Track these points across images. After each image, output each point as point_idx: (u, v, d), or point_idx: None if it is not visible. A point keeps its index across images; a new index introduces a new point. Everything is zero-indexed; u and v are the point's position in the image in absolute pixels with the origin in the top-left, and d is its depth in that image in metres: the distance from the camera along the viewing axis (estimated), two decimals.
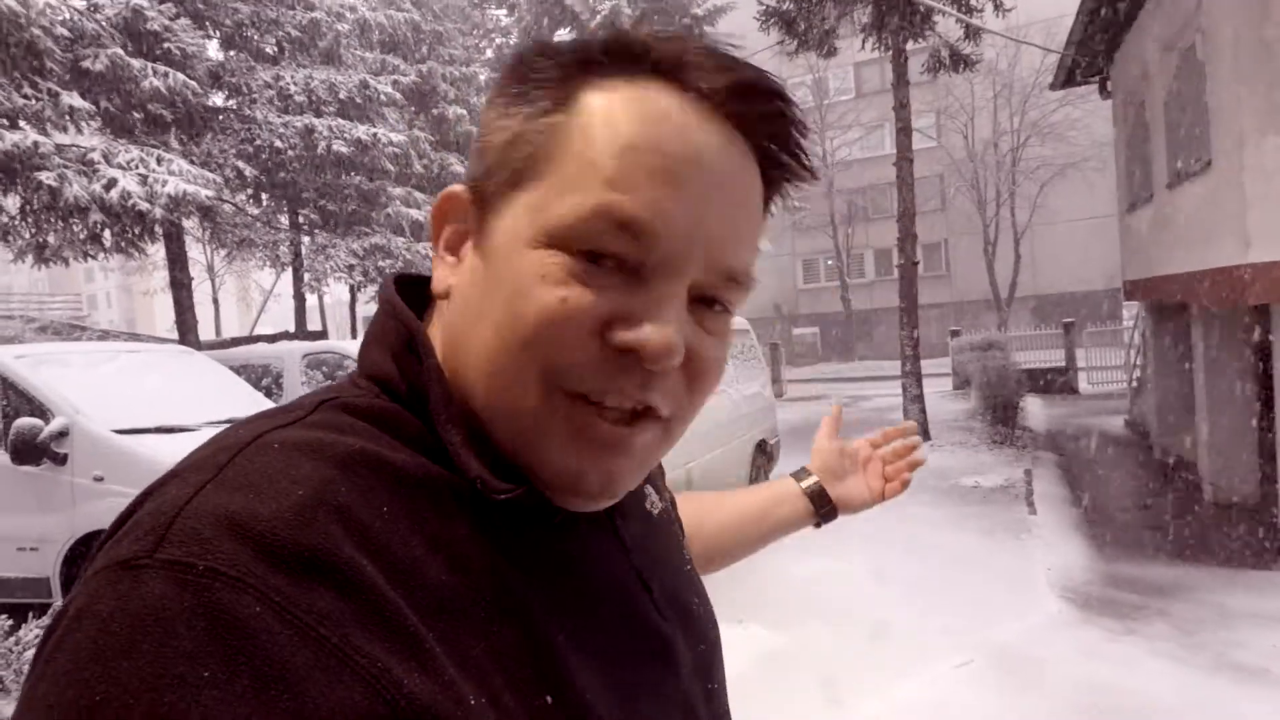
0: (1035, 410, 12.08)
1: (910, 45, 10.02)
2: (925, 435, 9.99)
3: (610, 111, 0.44)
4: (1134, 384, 10.77)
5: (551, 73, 0.45)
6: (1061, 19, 12.46)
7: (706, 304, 0.47)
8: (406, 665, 0.37)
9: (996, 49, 17.86)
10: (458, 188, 0.49)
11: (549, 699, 0.42)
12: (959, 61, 10.53)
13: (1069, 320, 15.22)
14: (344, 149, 11.75)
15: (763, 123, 0.47)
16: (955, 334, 16.62)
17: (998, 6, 9.94)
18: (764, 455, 7.15)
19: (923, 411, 10.06)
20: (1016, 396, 10.25)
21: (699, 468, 5.53)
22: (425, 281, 0.53)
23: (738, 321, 7.33)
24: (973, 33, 10.27)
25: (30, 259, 9.58)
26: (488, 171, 0.46)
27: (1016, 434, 9.79)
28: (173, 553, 0.35)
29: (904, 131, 9.85)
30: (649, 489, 0.62)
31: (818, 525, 0.99)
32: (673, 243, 0.43)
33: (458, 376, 0.47)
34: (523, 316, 0.43)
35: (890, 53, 9.99)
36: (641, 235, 0.42)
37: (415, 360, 0.47)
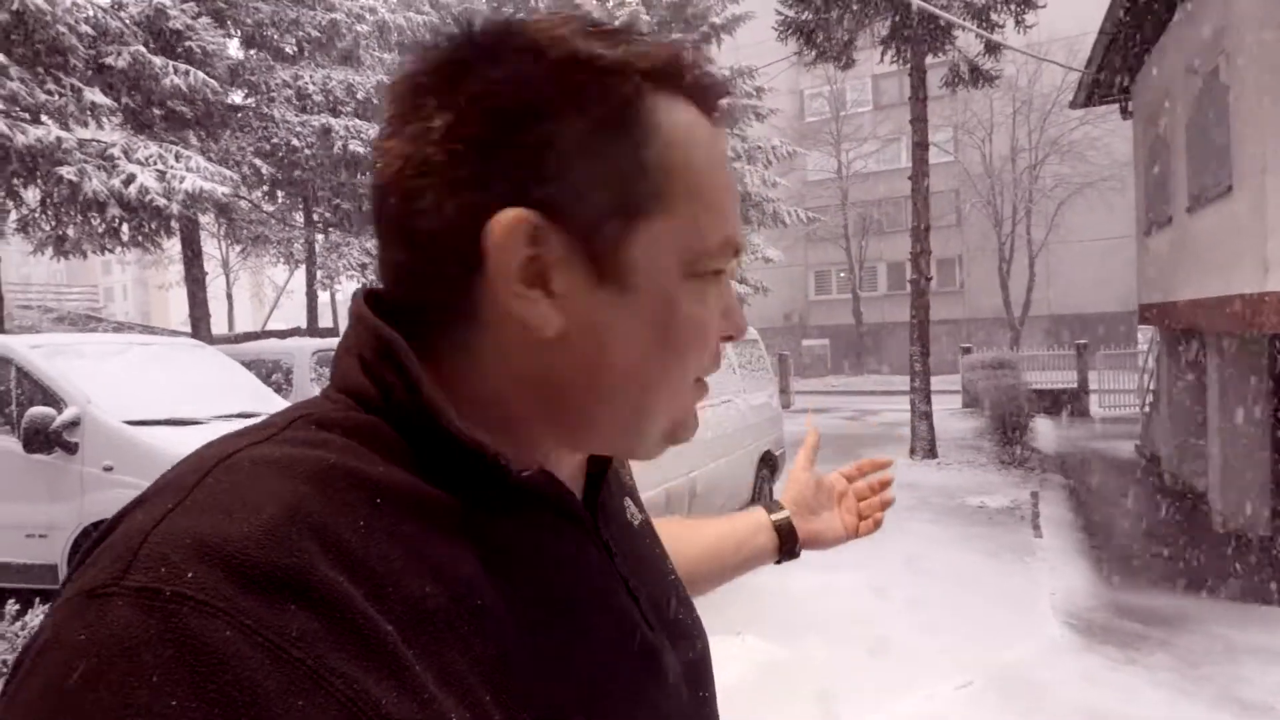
0: (1045, 431, 11.99)
1: (929, 59, 10.00)
2: (932, 453, 9.93)
3: (690, 139, 0.48)
4: (1146, 409, 10.68)
5: (628, 93, 0.45)
6: (1084, 37, 12.40)
7: None
8: (384, 685, 0.36)
9: (1017, 65, 17.81)
10: (524, 212, 0.43)
11: (536, 712, 0.42)
12: (978, 77, 10.50)
13: (1082, 342, 15.11)
14: (360, 148, 11.83)
15: (722, 109, 0.52)
16: (966, 351, 16.54)
17: (1019, 23, 9.91)
18: (769, 466, 7.13)
19: (931, 428, 10.00)
20: (1026, 417, 10.18)
21: (703, 476, 5.52)
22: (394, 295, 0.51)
23: (746, 331, 7.35)
24: (993, 48, 10.25)
25: (49, 251, 9.70)
26: (576, 196, 0.44)
27: (1025, 455, 9.72)
28: (139, 579, 0.34)
29: (920, 145, 9.82)
30: (628, 501, 0.62)
31: (778, 563, 0.96)
32: (743, 246, 0.53)
33: (565, 403, 0.48)
34: (692, 339, 0.49)
35: (909, 66, 9.98)
36: (738, 254, 0.52)
37: (391, 369, 0.45)
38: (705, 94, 0.49)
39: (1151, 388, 10.39)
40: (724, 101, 0.50)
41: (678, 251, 0.47)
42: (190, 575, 0.34)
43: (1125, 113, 10.41)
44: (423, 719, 0.36)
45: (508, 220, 0.43)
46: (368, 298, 0.50)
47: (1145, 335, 12.41)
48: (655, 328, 0.47)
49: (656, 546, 0.64)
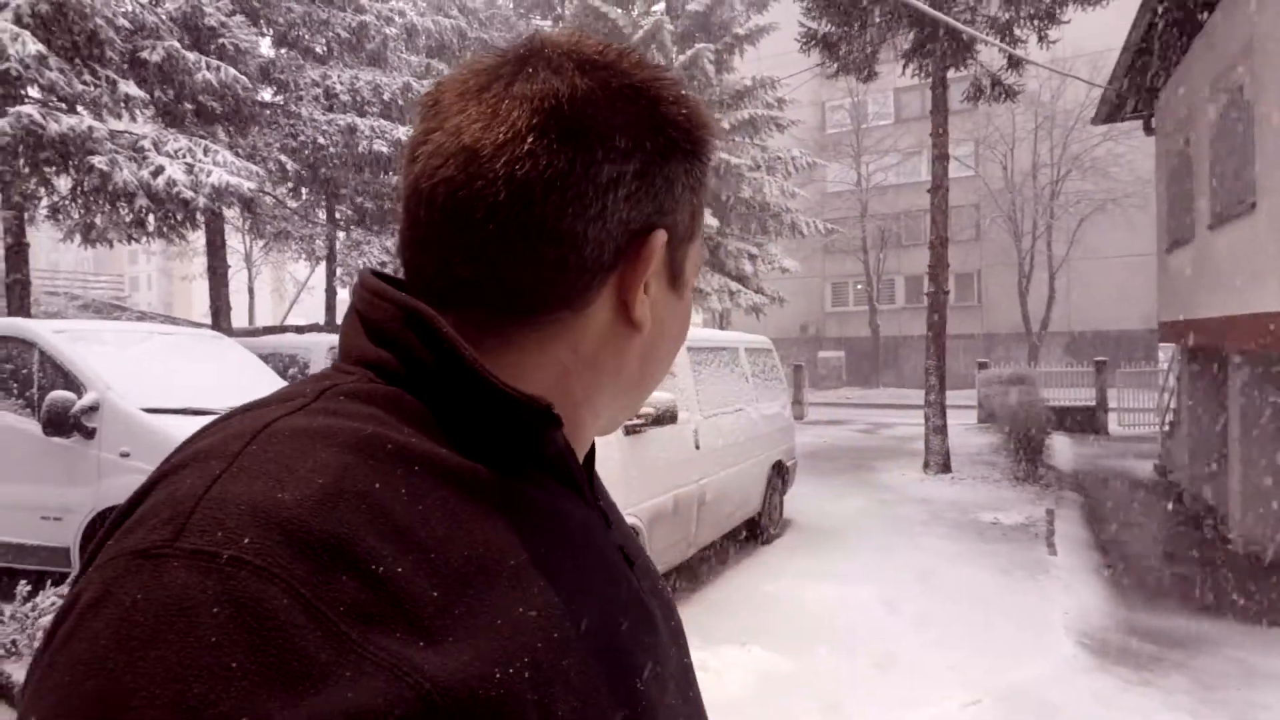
0: (1062, 449, 11.87)
1: (951, 73, 9.97)
2: (947, 468, 9.85)
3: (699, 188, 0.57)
4: (1166, 428, 10.54)
5: (708, 157, 0.56)
6: (1108, 53, 12.31)
7: None
8: (428, 650, 0.37)
9: (1040, 80, 17.71)
10: (664, 233, 0.53)
11: (586, 654, 0.44)
12: (1001, 91, 10.45)
13: (1101, 359, 14.95)
14: (384, 149, 11.94)
15: None
16: (983, 366, 16.41)
17: (1042, 38, 9.85)
18: (780, 476, 7.10)
19: (945, 443, 9.93)
20: (1043, 433, 10.08)
21: (713, 484, 5.50)
22: (396, 280, 0.53)
23: (760, 340, 7.27)
24: (1015, 63, 10.20)
25: (77, 239, 9.85)
26: (678, 221, 0.55)
27: (1040, 472, 9.62)
28: (195, 541, 0.35)
29: (941, 159, 9.79)
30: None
31: None
32: None
33: (622, 383, 0.56)
34: (686, 333, 0.61)
35: (930, 80, 9.95)
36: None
37: (414, 335, 0.47)
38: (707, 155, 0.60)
39: (1172, 406, 10.26)
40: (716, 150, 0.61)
41: (693, 267, 0.59)
42: (247, 540, 0.35)
43: (1149, 129, 10.31)
44: (472, 677, 0.38)
45: (660, 238, 0.52)
46: (375, 274, 0.52)
47: (1166, 353, 12.26)
48: (681, 324, 0.60)
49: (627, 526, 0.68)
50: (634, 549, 0.59)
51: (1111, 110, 10.35)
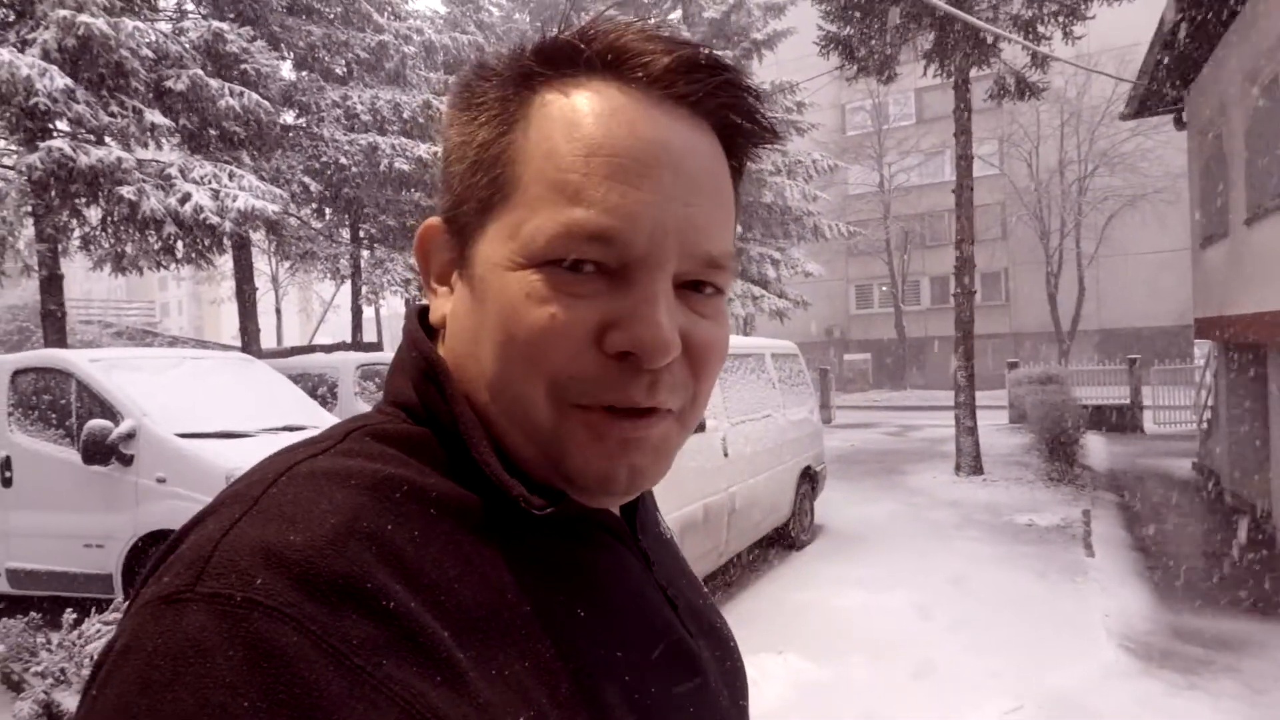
0: (1096, 448, 11.64)
1: (974, 72, 9.87)
2: (978, 469, 9.71)
3: (556, 123, 0.44)
4: (1204, 425, 10.30)
5: (494, 91, 0.46)
6: (1135, 47, 12.14)
7: (694, 288, 0.47)
8: (442, 690, 0.37)
9: (1065, 77, 17.48)
10: (435, 220, 0.50)
11: (594, 713, 0.43)
12: (1025, 89, 10.32)
13: (1134, 356, 14.67)
14: (405, 166, 12.08)
15: (711, 96, 0.46)
16: (1013, 366, 16.17)
17: (1067, 34, 9.73)
18: (809, 482, 7.04)
19: (976, 444, 9.79)
20: (1076, 433, 9.89)
21: (742, 492, 5.47)
22: None
23: (785, 345, 7.21)
24: (1040, 60, 10.07)
25: (109, 267, 10.06)
26: (457, 201, 0.47)
27: (1075, 472, 9.44)
28: (212, 585, 0.36)
29: (965, 158, 9.69)
30: (660, 516, 0.64)
31: None
32: (645, 241, 0.43)
33: (468, 400, 0.47)
34: (516, 337, 0.43)
35: (953, 79, 9.86)
36: (613, 242, 0.43)
37: (433, 387, 0.48)
38: (625, 62, 0.45)
39: (1209, 403, 10.02)
40: (658, 63, 0.45)
41: (513, 242, 0.44)
42: (259, 581, 0.36)
43: (1179, 123, 10.12)
44: None
45: (419, 230, 0.50)
46: (420, 314, 0.53)
47: (1202, 350, 11.99)
48: (484, 322, 0.45)
49: (685, 561, 0.65)
50: (680, 590, 0.56)
51: (1140, 105, 10.17)
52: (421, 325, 0.52)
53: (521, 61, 0.46)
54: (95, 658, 0.40)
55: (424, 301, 0.54)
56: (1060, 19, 9.65)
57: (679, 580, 0.58)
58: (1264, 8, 6.43)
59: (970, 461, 9.71)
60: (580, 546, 0.48)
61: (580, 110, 0.44)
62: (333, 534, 0.38)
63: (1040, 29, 9.76)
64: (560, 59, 0.45)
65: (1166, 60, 8.47)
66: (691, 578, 0.62)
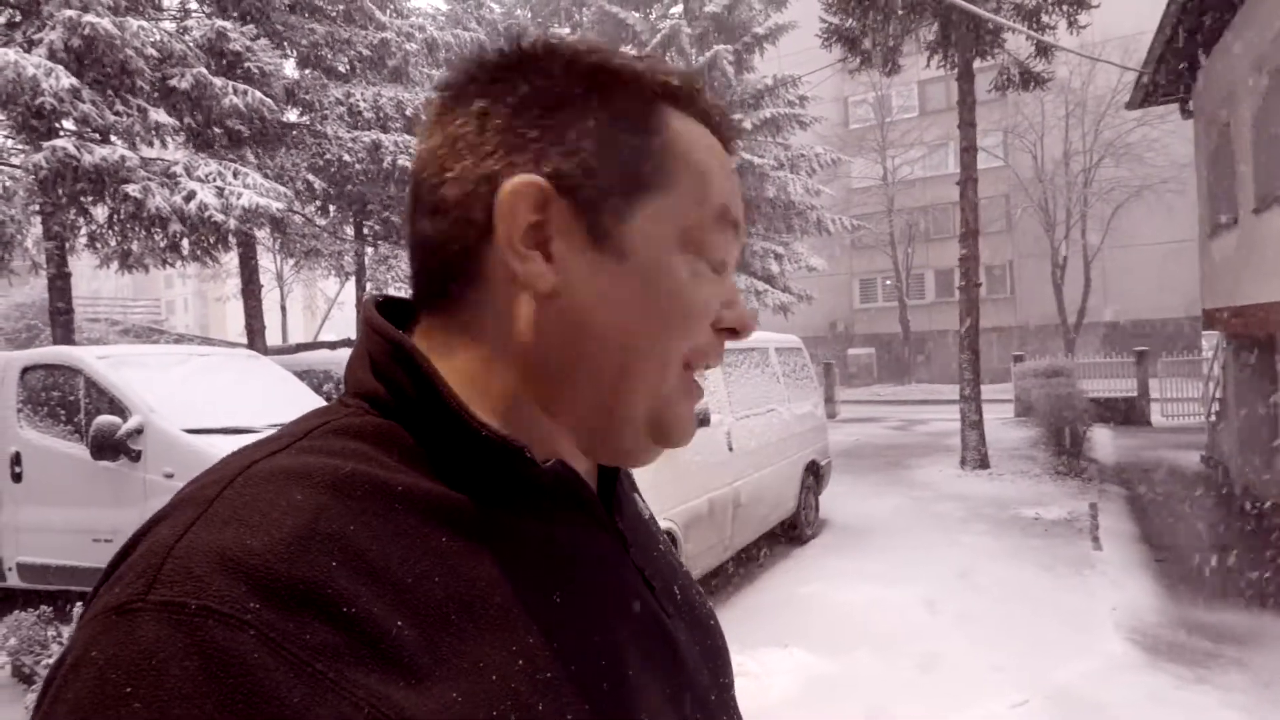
0: (1103, 441, 11.60)
1: (978, 63, 9.82)
2: (984, 463, 9.69)
3: (699, 140, 0.52)
4: (1212, 418, 10.26)
5: (645, 96, 0.50)
6: (1140, 36, 12.05)
7: None
8: (408, 692, 0.37)
9: (1070, 67, 17.39)
10: (536, 179, 0.46)
11: (575, 698, 0.42)
12: (1029, 79, 10.26)
13: (1141, 349, 14.60)
14: (409, 163, 12.03)
15: (733, 142, 0.57)
16: (1018, 359, 16.11)
17: (1071, 24, 9.66)
18: (814, 476, 7.04)
19: (982, 438, 9.76)
20: (1083, 426, 9.86)
21: (747, 486, 5.47)
22: (404, 303, 0.53)
23: (790, 339, 7.21)
24: (1044, 50, 10.01)
25: (115, 265, 10.10)
26: (587, 170, 0.47)
27: (1082, 465, 9.42)
28: (165, 594, 0.35)
29: (969, 150, 9.64)
30: (638, 496, 0.64)
31: None
32: (742, 241, 0.55)
33: (548, 367, 0.48)
34: (681, 309, 0.50)
35: (956, 71, 9.81)
36: (739, 233, 0.54)
37: (400, 369, 0.46)
38: (714, 118, 0.54)
39: (1218, 395, 9.98)
40: (731, 132, 0.55)
41: (674, 221, 0.49)
42: (215, 588, 0.35)
43: (1186, 112, 10.06)
44: (450, 717, 0.37)
45: (515, 184, 0.46)
46: (379, 305, 0.52)
47: (1210, 341, 11.93)
48: (645, 295, 0.48)
49: (665, 540, 0.65)
50: (657, 570, 0.56)
51: (1146, 94, 10.11)
52: (386, 315, 0.51)
53: (669, 86, 0.51)
54: (46, 676, 0.39)
55: (384, 294, 0.54)
56: (1065, 8, 9.59)
57: (656, 561, 0.58)
58: None
59: (976, 455, 9.69)
60: (556, 529, 0.47)
61: (705, 138, 0.53)
62: (292, 537, 0.37)
63: (1044, 18, 9.70)
64: (680, 98, 0.52)
65: (1172, 48, 8.42)
66: (669, 557, 0.62)
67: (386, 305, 0.52)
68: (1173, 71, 9.20)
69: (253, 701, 0.33)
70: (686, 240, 0.50)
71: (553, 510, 0.48)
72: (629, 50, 0.53)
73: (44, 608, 4.11)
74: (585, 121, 0.48)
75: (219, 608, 0.35)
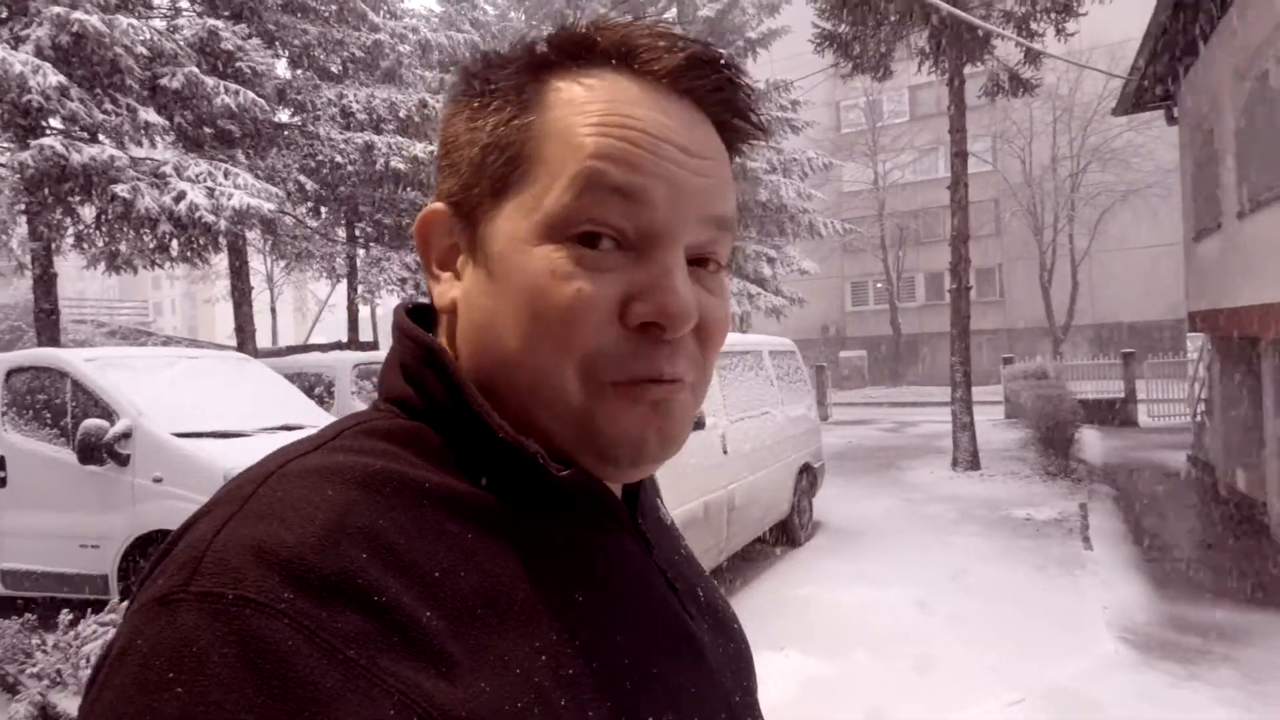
0: (1092, 442, 11.68)
1: (968, 69, 9.89)
2: (975, 465, 9.74)
3: (575, 100, 0.46)
4: (1198, 418, 10.35)
5: (510, 79, 0.48)
6: (1126, 43, 12.17)
7: (701, 264, 0.49)
8: (437, 680, 0.37)
9: (1058, 73, 17.52)
10: (438, 206, 0.50)
11: (597, 696, 0.43)
12: (1018, 85, 10.35)
13: (1128, 350, 14.73)
14: (401, 165, 12.04)
15: (712, 93, 0.49)
16: (1008, 361, 16.22)
17: (1059, 31, 9.75)
18: (808, 479, 7.05)
19: (973, 439, 9.81)
20: (1072, 427, 9.93)
21: (741, 489, 5.47)
22: (432, 309, 0.54)
23: (783, 342, 7.21)
24: (1033, 57, 10.10)
25: (102, 266, 10.01)
26: (465, 184, 0.48)
27: (1071, 466, 9.48)
28: (204, 584, 0.36)
29: (959, 155, 9.71)
30: (660, 501, 0.64)
31: None
32: (662, 206, 0.45)
33: (484, 386, 0.47)
34: (542, 314, 0.44)
35: (946, 76, 9.88)
36: (632, 197, 0.44)
37: (429, 372, 0.48)
38: (634, 56, 0.47)
39: (1203, 396, 10.07)
40: (666, 60, 0.47)
41: (535, 210, 0.45)
42: (251, 579, 0.36)
43: (1171, 119, 10.16)
44: (480, 709, 0.38)
45: (423, 213, 0.50)
46: (410, 311, 0.53)
47: (1195, 343, 12.05)
48: (508, 301, 0.46)
49: (686, 544, 0.65)
50: (681, 572, 0.56)
51: (1132, 101, 10.21)
52: (413, 321, 0.53)
53: (535, 51, 0.48)
54: (93, 661, 0.40)
55: (416, 300, 0.55)
56: (1053, 15, 9.68)
57: (679, 563, 0.58)
58: (1251, 4, 6.46)
59: (967, 457, 9.74)
60: (579, 530, 0.48)
61: (598, 91, 0.46)
62: (324, 530, 0.38)
63: (1033, 25, 9.79)
64: (575, 50, 0.47)
65: (1158, 56, 8.50)
66: (692, 561, 0.62)
67: (416, 312, 0.54)
68: (1158, 78, 9.29)
69: (288, 686, 0.34)
70: (550, 227, 0.44)
71: (575, 512, 0.48)
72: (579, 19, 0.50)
73: (29, 615, 4.06)
74: (460, 131, 0.49)
75: (255, 597, 0.36)
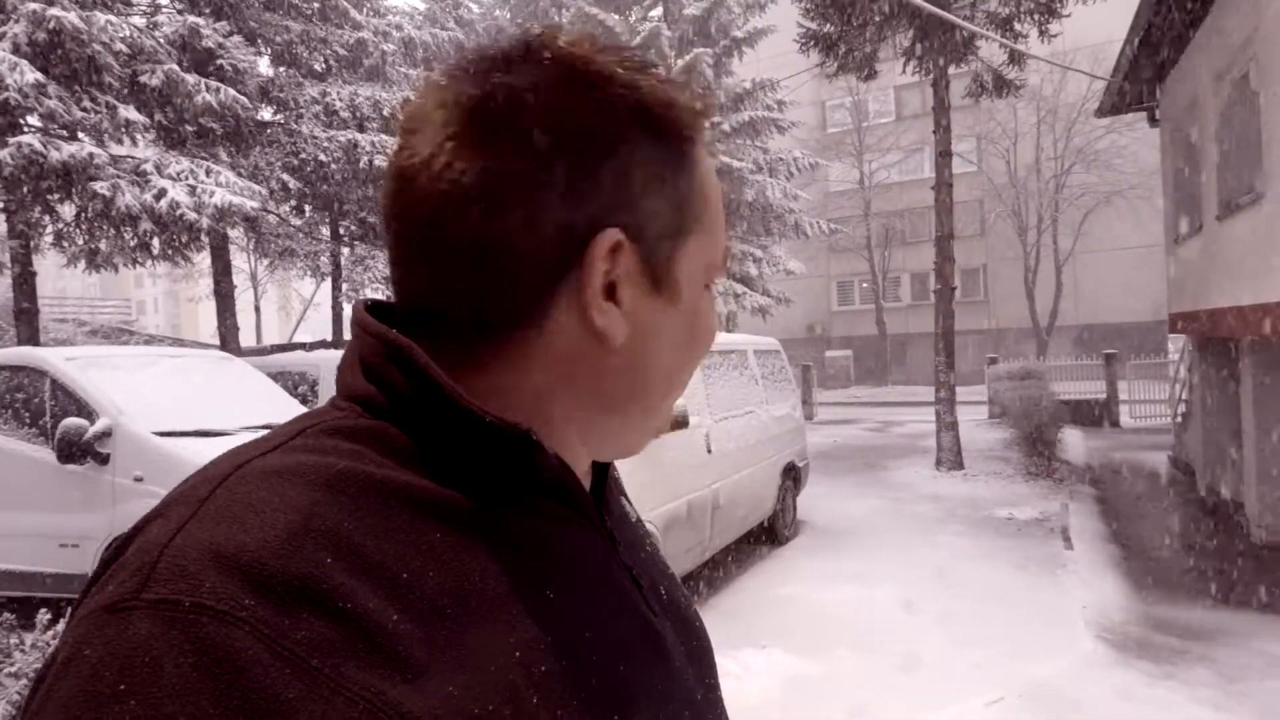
0: (1074, 442, 11.79)
1: (952, 69, 9.95)
2: (959, 464, 9.80)
3: (711, 174, 0.54)
4: (1179, 419, 10.47)
5: (682, 137, 0.51)
6: (1109, 45, 12.29)
7: None
8: (405, 686, 0.36)
9: (1041, 74, 17.65)
10: (619, 234, 0.47)
11: (568, 692, 0.42)
12: (1002, 86, 10.42)
13: (1111, 351, 14.87)
14: (385, 163, 11.97)
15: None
16: (992, 361, 16.33)
17: (1043, 32, 9.82)
18: (792, 478, 7.07)
19: (956, 439, 9.88)
20: (1054, 427, 10.02)
21: (725, 488, 5.48)
22: (389, 306, 0.52)
23: (768, 341, 7.24)
24: (1017, 58, 10.17)
25: (83, 264, 9.90)
26: (648, 220, 0.49)
27: (1054, 466, 9.56)
28: (159, 591, 0.35)
29: (944, 155, 9.77)
30: (626, 499, 0.64)
31: None
32: None
33: (603, 402, 0.51)
34: (704, 340, 0.55)
35: (931, 77, 9.93)
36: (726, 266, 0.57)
37: (396, 369, 0.46)
38: (706, 135, 0.55)
39: (1184, 397, 10.19)
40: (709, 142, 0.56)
41: (703, 264, 0.53)
42: (208, 585, 0.35)
43: (1153, 120, 10.27)
44: (446, 713, 0.37)
45: (605, 240, 0.47)
46: (369, 308, 0.51)
47: (1176, 344, 12.18)
48: (691, 331, 0.53)
49: (652, 541, 0.65)
50: (645, 570, 0.57)
51: (1115, 102, 10.31)
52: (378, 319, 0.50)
53: (687, 121, 0.51)
54: (35, 675, 0.38)
55: (370, 299, 0.53)
56: (1036, 16, 9.74)
57: (644, 561, 0.58)
58: (1231, 8, 6.54)
59: (951, 456, 9.80)
60: (547, 526, 0.47)
61: (711, 164, 0.55)
62: (286, 533, 0.37)
63: (1017, 26, 9.85)
64: (703, 132, 0.53)
65: (1140, 58, 8.59)
66: (656, 558, 0.62)
67: (374, 309, 0.51)
68: (1140, 80, 9.39)
69: (248, 698, 0.33)
70: (708, 273, 0.54)
71: (545, 508, 0.48)
72: (656, 68, 0.51)
73: (6, 615, 4.01)
74: (644, 167, 0.48)
75: (213, 605, 0.34)
